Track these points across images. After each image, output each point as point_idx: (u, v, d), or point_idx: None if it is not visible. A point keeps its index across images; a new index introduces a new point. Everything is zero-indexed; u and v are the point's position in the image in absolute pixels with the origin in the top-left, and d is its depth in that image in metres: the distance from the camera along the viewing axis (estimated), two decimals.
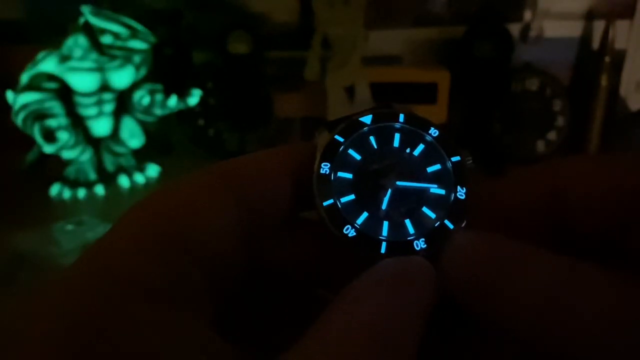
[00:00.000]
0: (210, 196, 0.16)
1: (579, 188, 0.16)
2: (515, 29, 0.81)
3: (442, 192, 0.17)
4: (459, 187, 0.17)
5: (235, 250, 0.16)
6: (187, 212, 0.15)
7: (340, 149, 0.18)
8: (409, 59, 0.84)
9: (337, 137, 0.18)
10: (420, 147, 0.18)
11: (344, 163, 0.18)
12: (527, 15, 0.82)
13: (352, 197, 0.17)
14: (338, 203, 0.17)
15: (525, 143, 0.82)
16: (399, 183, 0.17)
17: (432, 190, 0.18)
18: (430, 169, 0.18)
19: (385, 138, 0.18)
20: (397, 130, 0.18)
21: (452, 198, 0.17)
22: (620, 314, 0.12)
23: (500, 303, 0.13)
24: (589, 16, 0.81)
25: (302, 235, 0.18)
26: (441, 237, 0.16)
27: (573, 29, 0.82)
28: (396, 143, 0.18)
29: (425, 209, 0.17)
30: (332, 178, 0.17)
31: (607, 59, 0.80)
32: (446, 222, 0.17)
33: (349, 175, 0.18)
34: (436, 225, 0.17)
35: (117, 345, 0.12)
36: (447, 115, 0.80)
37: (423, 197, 0.17)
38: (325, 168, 0.17)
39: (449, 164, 0.18)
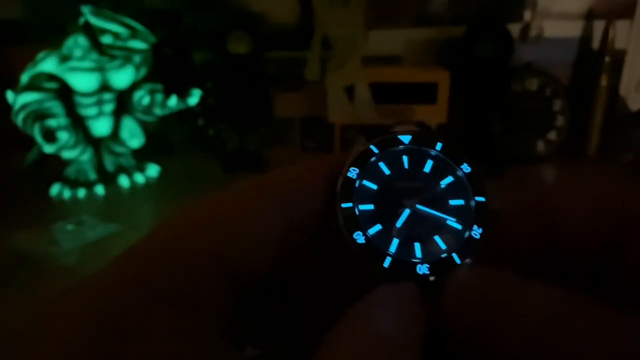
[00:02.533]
0: (249, 211, 0.16)
1: (571, 214, 0.16)
2: (515, 29, 0.81)
3: (459, 227, 0.18)
4: (475, 227, 0.17)
5: (268, 263, 0.16)
6: (224, 226, 0.15)
7: (372, 159, 0.18)
8: (409, 59, 0.84)
9: (372, 147, 0.18)
10: (449, 179, 0.18)
11: (372, 173, 0.18)
12: (527, 15, 0.82)
13: (371, 207, 0.17)
14: (356, 209, 0.17)
15: (525, 143, 0.82)
16: (419, 207, 0.18)
17: (449, 222, 0.18)
18: (452, 202, 0.18)
19: (418, 161, 0.18)
20: (432, 157, 0.19)
21: (467, 235, 0.17)
22: (620, 346, 0.12)
23: (493, 338, 0.13)
24: (589, 16, 0.81)
25: (328, 245, 0.18)
26: (445, 269, 0.16)
27: (573, 29, 0.82)
28: (427, 169, 0.18)
29: (437, 238, 0.17)
30: (357, 184, 0.18)
31: (607, 59, 0.80)
32: (454, 255, 0.17)
33: (374, 186, 0.18)
34: (443, 256, 0.17)
35: (139, 354, 0.12)
36: (447, 115, 0.80)
37: (439, 226, 0.18)
38: (353, 173, 0.18)
39: (472, 203, 0.18)
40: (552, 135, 0.82)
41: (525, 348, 0.13)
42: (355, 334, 0.13)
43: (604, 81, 0.80)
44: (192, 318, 0.14)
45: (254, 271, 0.16)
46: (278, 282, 0.18)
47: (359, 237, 0.17)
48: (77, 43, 0.68)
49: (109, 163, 0.76)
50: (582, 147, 0.83)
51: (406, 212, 0.18)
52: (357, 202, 0.17)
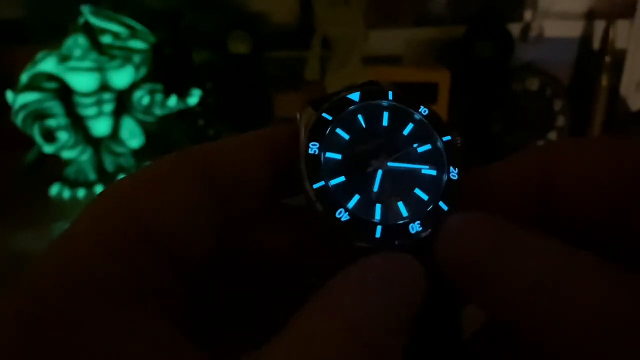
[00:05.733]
0: (177, 182, 0.15)
1: (570, 174, 0.15)
2: (515, 29, 0.81)
3: (434, 173, 0.17)
4: (451, 168, 0.17)
5: (206, 240, 0.15)
6: (151, 200, 0.14)
7: (329, 128, 0.17)
8: (409, 59, 0.84)
9: (324, 114, 0.17)
10: (410, 126, 0.17)
11: (332, 143, 0.17)
12: (527, 15, 0.82)
13: (342, 179, 0.16)
14: (329, 186, 0.16)
15: (525, 143, 0.82)
16: (389, 164, 0.17)
17: (423, 171, 0.17)
18: (421, 149, 0.17)
19: (373, 117, 0.17)
20: (386, 108, 0.17)
21: (445, 179, 0.17)
22: (617, 309, 0.11)
23: (493, 288, 0.13)
24: (589, 16, 0.81)
25: (284, 223, 0.17)
26: (436, 219, 0.16)
27: (573, 29, 0.82)
28: (385, 122, 0.17)
29: (417, 191, 0.17)
30: (322, 159, 0.16)
31: (607, 59, 0.80)
32: (440, 203, 0.16)
33: (338, 156, 0.16)
34: (430, 207, 0.16)
35: (77, 350, 0.12)
36: (447, 115, 0.80)
37: (415, 178, 0.17)
38: (314, 148, 0.16)
39: (440, 144, 0.17)
40: (552, 135, 0.82)
41: (525, 295, 0.12)
42: (321, 322, 0.12)
43: (604, 81, 0.80)
44: (134, 308, 0.13)
45: (190, 248, 0.14)
46: (237, 267, 0.17)
47: (343, 215, 0.15)
48: (77, 43, 0.68)
49: (109, 163, 0.76)
50: None
51: (379, 173, 0.16)
52: (327, 179, 0.16)
